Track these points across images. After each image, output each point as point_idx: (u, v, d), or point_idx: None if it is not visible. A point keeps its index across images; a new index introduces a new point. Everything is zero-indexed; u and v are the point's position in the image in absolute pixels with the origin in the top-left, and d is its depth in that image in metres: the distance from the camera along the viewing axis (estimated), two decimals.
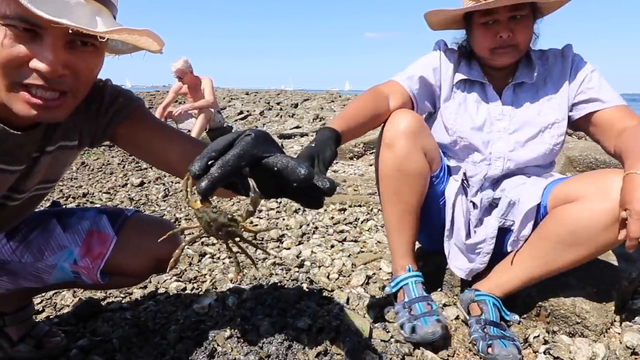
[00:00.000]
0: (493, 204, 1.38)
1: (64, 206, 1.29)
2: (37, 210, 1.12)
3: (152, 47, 0.81)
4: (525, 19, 1.23)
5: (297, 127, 6.13)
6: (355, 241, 2.05)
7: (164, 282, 1.65)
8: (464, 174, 1.39)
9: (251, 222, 0.68)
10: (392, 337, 1.25)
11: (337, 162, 4.03)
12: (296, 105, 9.03)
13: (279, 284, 1.60)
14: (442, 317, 1.23)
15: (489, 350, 1.14)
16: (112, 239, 1.08)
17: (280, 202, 2.68)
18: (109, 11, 0.77)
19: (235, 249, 0.72)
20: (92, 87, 0.93)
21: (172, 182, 3.32)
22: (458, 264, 1.37)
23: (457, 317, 1.36)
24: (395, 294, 1.36)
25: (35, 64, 0.69)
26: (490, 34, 1.24)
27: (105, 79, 1.00)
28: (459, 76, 1.38)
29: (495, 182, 1.39)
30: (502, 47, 1.24)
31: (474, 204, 1.38)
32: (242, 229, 0.68)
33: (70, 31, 0.69)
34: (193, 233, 0.71)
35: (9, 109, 0.75)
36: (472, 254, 1.34)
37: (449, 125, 1.39)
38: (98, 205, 2.68)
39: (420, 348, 1.20)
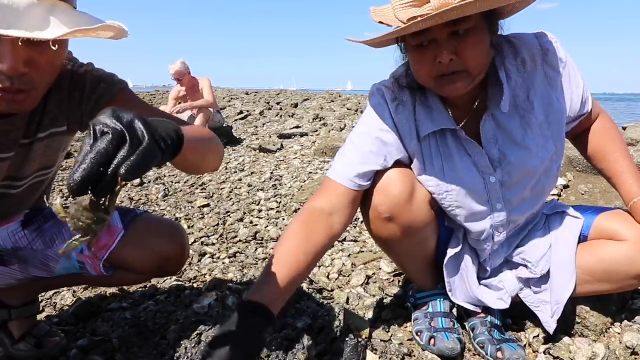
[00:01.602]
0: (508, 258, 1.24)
1: None
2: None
3: (118, 37, 0.80)
4: (474, 33, 0.88)
5: (297, 127, 6.13)
6: (355, 241, 2.05)
7: (164, 282, 1.65)
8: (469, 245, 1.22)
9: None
10: (392, 337, 1.26)
11: None
12: (296, 105, 9.03)
13: None
14: (462, 337, 1.21)
15: (499, 354, 1.13)
16: (120, 232, 1.10)
17: (280, 202, 2.68)
18: (66, 4, 0.74)
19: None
20: (75, 74, 0.95)
21: (172, 182, 3.32)
22: (470, 307, 1.25)
23: None
24: (418, 304, 1.33)
25: None
26: (428, 58, 0.91)
27: (87, 63, 1.00)
28: (424, 131, 1.05)
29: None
30: (447, 74, 0.91)
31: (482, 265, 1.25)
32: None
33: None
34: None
35: None
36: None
37: (445, 209, 1.13)
38: None
39: (420, 348, 1.21)
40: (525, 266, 1.19)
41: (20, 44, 0.70)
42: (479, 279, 1.24)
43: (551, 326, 1.15)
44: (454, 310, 1.33)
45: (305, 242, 0.99)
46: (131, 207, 2.68)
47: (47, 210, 1.13)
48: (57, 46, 0.71)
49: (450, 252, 1.20)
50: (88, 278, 1.16)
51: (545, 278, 1.17)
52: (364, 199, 1.11)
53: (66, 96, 0.97)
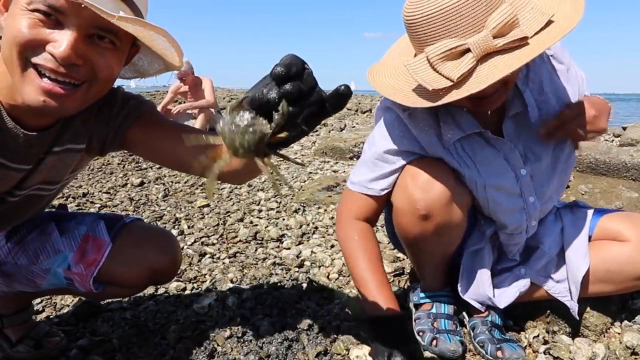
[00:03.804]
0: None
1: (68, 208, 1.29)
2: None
3: (171, 59, 0.82)
4: None
5: None
6: None
7: None
8: (498, 239, 1.23)
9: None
10: None
11: (337, 162, 4.03)
12: None
13: (279, 284, 1.60)
14: (464, 340, 1.21)
15: (498, 353, 1.13)
16: (107, 245, 1.05)
17: (280, 202, 2.68)
18: (131, 11, 0.78)
19: (269, 164, 0.61)
20: None
21: (172, 182, 3.32)
22: (476, 305, 1.25)
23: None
24: (420, 303, 1.32)
25: (51, 47, 0.71)
26: None
27: (117, 86, 0.99)
28: (452, 138, 1.06)
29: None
30: (488, 96, 0.93)
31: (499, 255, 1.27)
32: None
33: (91, 24, 0.71)
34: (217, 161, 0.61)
35: (22, 109, 0.77)
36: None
37: (483, 205, 1.14)
38: (98, 206, 2.68)
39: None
40: (537, 247, 1.21)
41: (80, 37, 0.72)
42: (492, 276, 1.24)
43: (574, 309, 1.15)
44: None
45: (371, 253, 1.12)
46: (130, 207, 2.68)
47: (30, 221, 1.08)
48: (116, 42, 0.75)
49: (471, 248, 1.21)
50: (76, 292, 1.12)
51: (564, 269, 1.18)
52: (397, 190, 1.11)
53: (94, 112, 0.94)
